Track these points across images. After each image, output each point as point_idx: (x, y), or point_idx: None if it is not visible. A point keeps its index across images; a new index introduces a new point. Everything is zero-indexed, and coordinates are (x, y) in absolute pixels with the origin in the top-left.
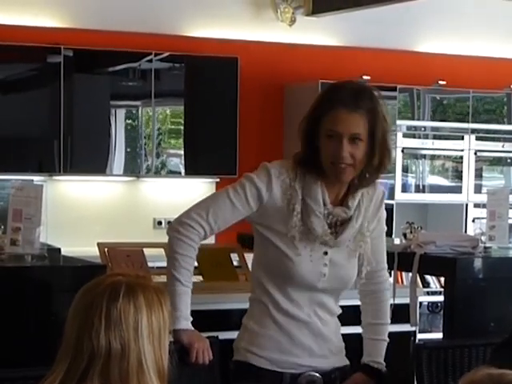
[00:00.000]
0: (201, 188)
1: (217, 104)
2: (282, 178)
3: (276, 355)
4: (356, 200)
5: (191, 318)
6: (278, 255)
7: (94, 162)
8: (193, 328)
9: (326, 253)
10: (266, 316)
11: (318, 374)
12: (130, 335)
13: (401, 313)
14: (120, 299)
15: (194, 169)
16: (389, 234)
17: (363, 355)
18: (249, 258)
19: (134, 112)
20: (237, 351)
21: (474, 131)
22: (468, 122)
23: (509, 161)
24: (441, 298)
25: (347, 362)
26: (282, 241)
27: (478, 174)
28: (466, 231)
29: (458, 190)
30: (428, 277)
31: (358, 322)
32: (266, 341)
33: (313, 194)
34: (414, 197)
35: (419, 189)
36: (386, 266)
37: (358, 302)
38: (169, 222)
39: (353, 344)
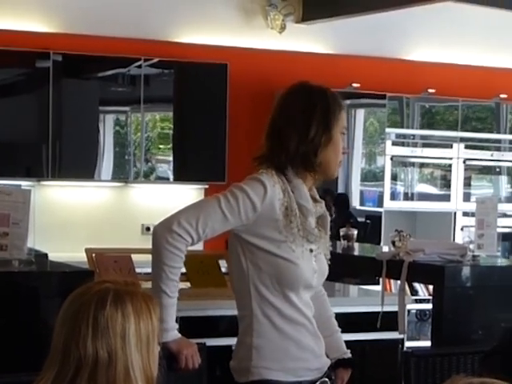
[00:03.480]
0: (189, 194)
1: (206, 110)
2: (276, 187)
3: (290, 364)
4: (317, 195)
5: (177, 326)
6: (279, 262)
7: (83, 168)
8: (180, 335)
9: (311, 250)
10: (269, 328)
11: (327, 379)
12: (117, 343)
13: (389, 320)
14: (107, 307)
15: (182, 175)
16: (377, 241)
17: (329, 353)
18: None
19: (122, 118)
20: (247, 372)
21: (462, 140)
22: (457, 130)
23: (497, 169)
24: (429, 306)
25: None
26: (279, 247)
27: (467, 183)
28: (454, 239)
29: (446, 198)
30: (416, 285)
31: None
32: (277, 352)
33: (304, 195)
34: (402, 205)
35: (408, 197)
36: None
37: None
38: None
39: None
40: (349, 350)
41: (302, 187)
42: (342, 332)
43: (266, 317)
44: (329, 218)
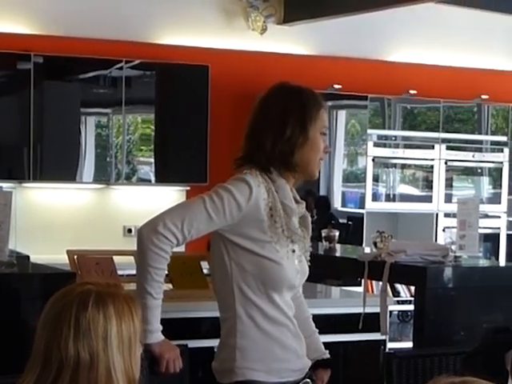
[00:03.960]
0: (171, 196)
1: (188, 112)
2: (261, 188)
3: (273, 364)
4: (297, 195)
5: (161, 328)
6: (263, 263)
7: (64, 169)
8: (163, 337)
9: (294, 250)
10: (253, 328)
11: (309, 380)
12: (98, 345)
13: (371, 322)
14: (89, 308)
15: (164, 176)
16: (359, 242)
17: (308, 354)
18: None
19: (104, 119)
20: (231, 373)
21: (444, 141)
22: (439, 131)
23: (479, 170)
24: (411, 307)
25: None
26: (263, 248)
27: (449, 184)
28: (436, 240)
29: (428, 199)
30: (398, 286)
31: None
32: (262, 353)
33: (287, 195)
34: (384, 206)
35: (390, 198)
36: None
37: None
38: None
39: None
40: (327, 351)
41: (286, 187)
42: (324, 333)
43: (250, 318)
44: (310, 219)
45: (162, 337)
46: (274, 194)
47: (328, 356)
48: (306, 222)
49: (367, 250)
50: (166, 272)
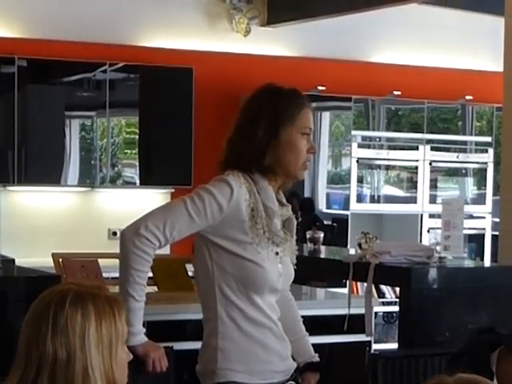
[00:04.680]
0: (156, 198)
1: (172, 114)
2: (242, 188)
3: (256, 366)
4: (284, 198)
5: (144, 330)
6: (244, 264)
7: (49, 173)
8: (146, 339)
9: (277, 253)
10: (234, 330)
11: (294, 383)
12: (76, 343)
13: (356, 323)
14: (66, 306)
15: (148, 179)
16: (344, 244)
17: (297, 357)
18: None
19: (88, 122)
20: (213, 374)
21: (428, 142)
22: (423, 132)
23: (463, 171)
24: (396, 308)
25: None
26: (245, 249)
27: (433, 185)
28: (421, 241)
29: (413, 200)
30: (383, 287)
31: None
32: (243, 354)
33: (270, 197)
34: (369, 207)
35: (374, 199)
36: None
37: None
38: None
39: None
40: (317, 354)
41: (268, 189)
42: (310, 335)
43: (231, 319)
44: (295, 222)
45: (146, 338)
46: (255, 195)
47: (318, 359)
48: (291, 224)
49: (352, 251)
50: (150, 274)
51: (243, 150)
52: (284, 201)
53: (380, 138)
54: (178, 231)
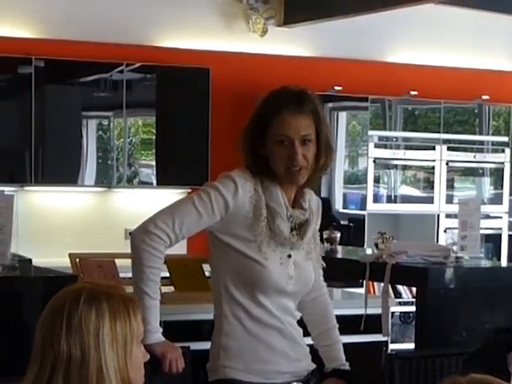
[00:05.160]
0: (172, 198)
1: (188, 115)
2: (247, 185)
3: (257, 365)
4: (306, 202)
5: (161, 329)
6: (247, 263)
7: (66, 173)
8: (164, 338)
9: (289, 255)
10: (238, 328)
11: (300, 383)
12: (90, 341)
13: (373, 323)
14: (81, 305)
15: (165, 179)
16: (360, 244)
17: (326, 362)
18: None
19: (105, 123)
20: (215, 371)
21: (445, 142)
22: (439, 132)
23: (480, 171)
24: (413, 308)
25: (315, 365)
26: (249, 247)
27: (450, 185)
28: (437, 241)
29: (429, 200)
30: (400, 287)
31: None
32: (245, 353)
33: (275, 198)
34: (385, 207)
35: (391, 199)
36: (322, 271)
37: None
38: None
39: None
40: (347, 363)
41: (275, 190)
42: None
43: (236, 317)
44: (311, 226)
45: (163, 338)
46: (260, 193)
47: (348, 368)
48: (304, 228)
49: (369, 251)
50: (167, 274)
51: (243, 151)
52: (304, 204)
53: (397, 137)
54: (187, 228)
